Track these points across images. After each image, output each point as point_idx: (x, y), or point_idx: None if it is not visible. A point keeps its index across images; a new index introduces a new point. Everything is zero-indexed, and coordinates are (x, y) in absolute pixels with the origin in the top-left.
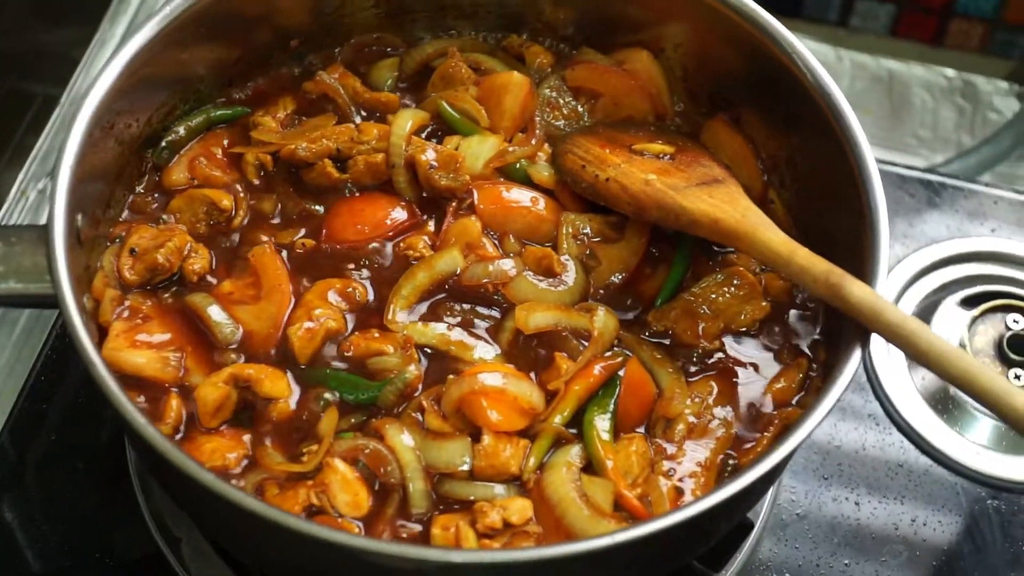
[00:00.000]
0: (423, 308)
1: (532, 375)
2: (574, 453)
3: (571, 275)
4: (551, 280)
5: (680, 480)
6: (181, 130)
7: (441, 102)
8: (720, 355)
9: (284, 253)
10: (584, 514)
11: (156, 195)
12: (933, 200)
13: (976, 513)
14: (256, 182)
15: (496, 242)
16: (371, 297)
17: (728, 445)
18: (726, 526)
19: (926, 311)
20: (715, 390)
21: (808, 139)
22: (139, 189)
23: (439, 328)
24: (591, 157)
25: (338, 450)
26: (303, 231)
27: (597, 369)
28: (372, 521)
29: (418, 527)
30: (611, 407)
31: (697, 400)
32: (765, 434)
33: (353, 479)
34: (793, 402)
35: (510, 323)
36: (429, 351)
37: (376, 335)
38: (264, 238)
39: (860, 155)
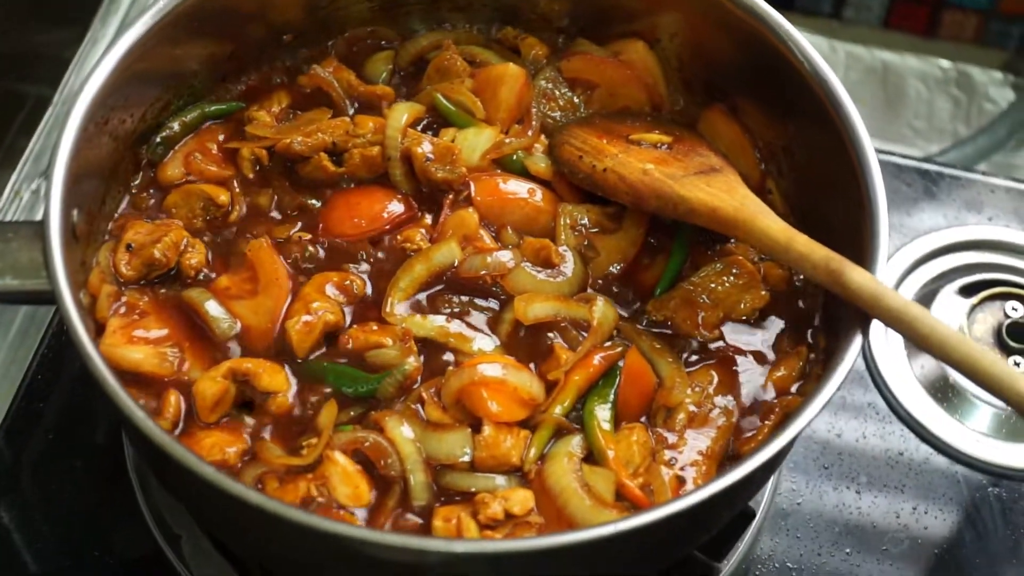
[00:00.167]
0: (421, 300)
1: (532, 366)
2: (575, 443)
3: (569, 266)
4: (549, 271)
5: (682, 469)
6: (175, 125)
7: (437, 95)
8: (720, 344)
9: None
10: (586, 504)
11: (152, 191)
12: (930, 189)
13: (977, 501)
14: (252, 176)
15: (494, 234)
16: (369, 290)
17: (729, 434)
18: (727, 515)
19: (924, 300)
20: (715, 379)
21: (805, 127)
22: (134, 185)
23: (438, 320)
24: (588, 148)
25: (338, 443)
26: (300, 225)
27: (597, 359)
28: (373, 513)
29: (419, 519)
30: (611, 397)
31: (697, 389)
32: (766, 422)
33: (353, 471)
34: (793, 390)
35: (509, 314)
36: (428, 343)
37: (374, 328)
38: (260, 233)
39: (858, 142)
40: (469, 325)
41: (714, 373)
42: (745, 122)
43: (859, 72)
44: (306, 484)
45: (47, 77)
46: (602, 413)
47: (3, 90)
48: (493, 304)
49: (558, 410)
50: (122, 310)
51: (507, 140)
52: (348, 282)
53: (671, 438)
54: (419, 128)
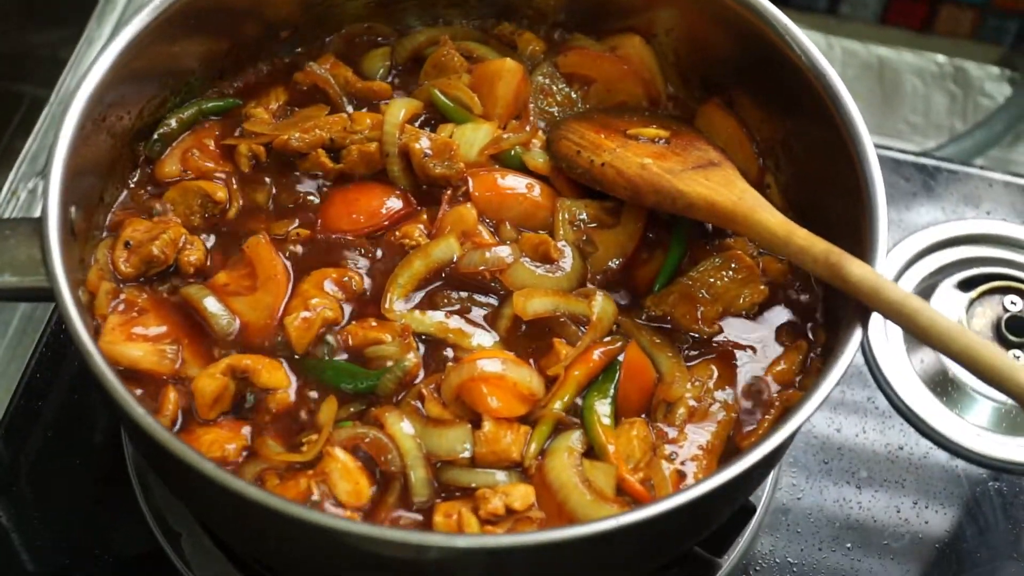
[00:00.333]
0: (420, 296)
1: (531, 361)
2: (575, 438)
3: (568, 261)
4: (548, 266)
5: (682, 464)
6: (173, 122)
7: (434, 90)
8: (719, 339)
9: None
10: (586, 499)
11: (149, 188)
12: (928, 184)
13: (977, 495)
14: (249, 173)
15: (492, 229)
16: (368, 286)
17: (729, 428)
18: (728, 510)
19: (924, 294)
20: (715, 374)
21: (803, 121)
22: (132, 182)
23: (437, 316)
24: (586, 143)
25: (338, 439)
26: (298, 222)
27: (596, 354)
28: (374, 510)
29: (420, 515)
30: (611, 392)
31: (697, 384)
32: (766, 416)
33: (354, 468)
34: (793, 384)
35: (508, 310)
36: (427, 339)
37: (374, 324)
38: (258, 230)
39: (857, 136)
40: (468, 321)
41: (714, 367)
42: (743, 116)
43: (856, 68)
44: (306, 480)
45: (43, 77)
46: (602, 408)
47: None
48: (492, 300)
49: (558, 405)
50: (121, 307)
51: (505, 135)
52: (347, 278)
53: (671, 433)
54: (417, 124)
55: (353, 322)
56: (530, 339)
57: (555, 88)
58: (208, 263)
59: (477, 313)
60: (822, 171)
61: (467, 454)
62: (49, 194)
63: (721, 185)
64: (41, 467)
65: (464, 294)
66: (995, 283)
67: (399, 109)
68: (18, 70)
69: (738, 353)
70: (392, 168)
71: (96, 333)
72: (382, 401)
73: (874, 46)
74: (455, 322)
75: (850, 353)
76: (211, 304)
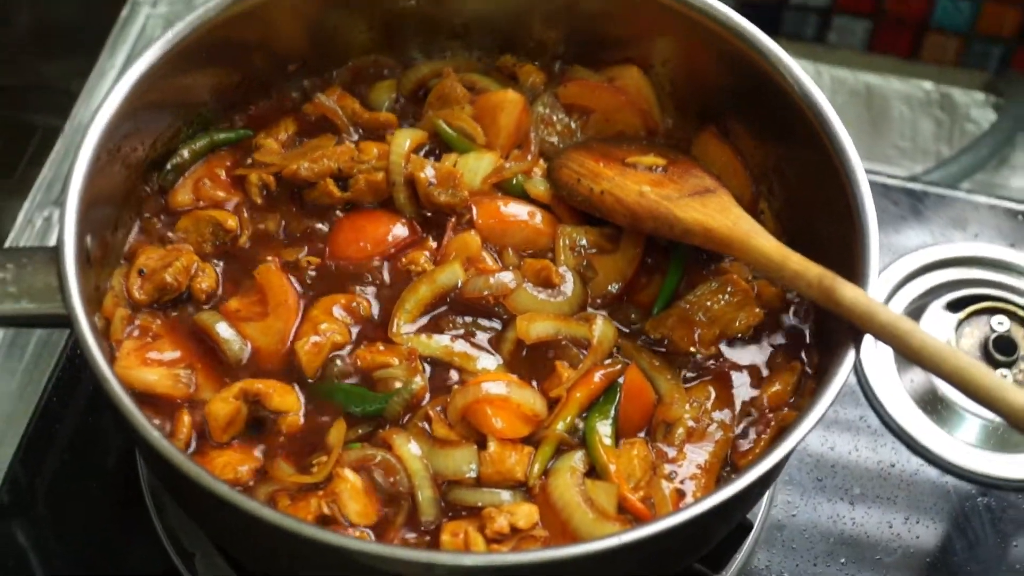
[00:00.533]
0: (426, 321)
1: (534, 383)
2: (577, 458)
3: (569, 286)
4: (550, 291)
5: (681, 482)
6: (185, 153)
7: (438, 121)
8: (716, 361)
9: (290, 270)
10: (589, 517)
11: (163, 217)
12: (916, 208)
13: (967, 510)
14: (260, 202)
15: (495, 255)
16: (375, 311)
17: (727, 448)
18: (726, 527)
19: (913, 315)
20: (712, 395)
21: (795, 148)
22: (146, 211)
23: (442, 340)
24: (586, 171)
25: (347, 460)
26: (307, 249)
27: (597, 376)
28: (382, 529)
29: (428, 534)
30: (612, 413)
31: (695, 405)
32: (762, 436)
33: (363, 488)
34: (788, 405)
35: (511, 333)
36: (433, 362)
37: (381, 348)
38: (269, 257)
39: (847, 161)
40: (473, 344)
41: (711, 389)
42: (737, 144)
43: (844, 95)
44: (317, 501)
45: (56, 108)
46: (603, 429)
47: (13, 121)
48: (496, 324)
49: (560, 426)
50: (136, 333)
51: (507, 164)
52: (355, 304)
53: (671, 452)
54: (422, 154)
55: (361, 346)
56: (533, 362)
57: (555, 118)
58: (220, 290)
59: (481, 337)
60: (814, 196)
61: (473, 474)
62: (65, 223)
63: (717, 211)
64: (58, 488)
65: (469, 318)
66: (982, 304)
67: (405, 139)
68: (31, 101)
69: (734, 375)
70: (398, 196)
71: (111, 358)
72: (390, 423)
73: (862, 73)
74: (460, 346)
75: (844, 374)
76: (223, 330)
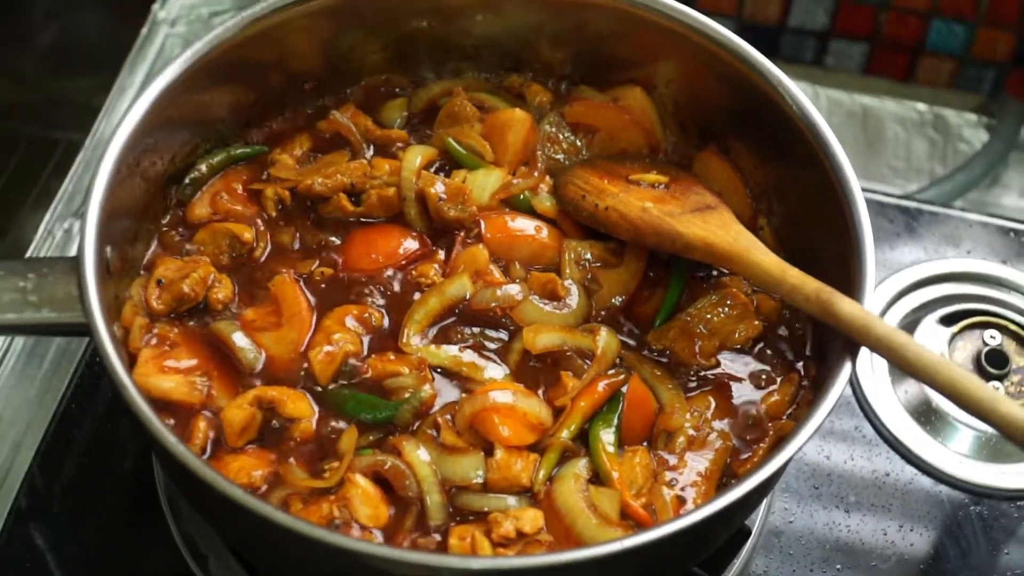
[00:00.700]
0: (435, 332)
1: (540, 392)
2: (581, 465)
3: (574, 298)
4: (555, 303)
5: (682, 490)
6: (203, 167)
7: (448, 138)
8: (716, 371)
9: (303, 282)
10: (592, 523)
11: (180, 229)
12: (911, 225)
13: (960, 519)
14: (275, 216)
15: (503, 269)
16: (386, 322)
17: (726, 456)
18: (725, 533)
19: (908, 329)
20: (713, 404)
21: (794, 167)
22: (164, 223)
23: (451, 350)
24: (590, 188)
25: (358, 466)
26: (320, 261)
27: (601, 386)
28: (392, 533)
29: (436, 537)
30: (615, 422)
31: (696, 414)
32: (761, 445)
33: (373, 493)
34: (786, 415)
35: (518, 344)
36: (442, 371)
37: (392, 357)
38: (283, 269)
39: (844, 180)
40: (481, 354)
41: (711, 399)
42: (737, 163)
43: (841, 116)
44: (329, 505)
45: (77, 123)
46: (607, 437)
47: (35, 136)
48: (503, 335)
49: (565, 434)
50: (153, 341)
51: (514, 181)
52: (367, 315)
53: (672, 460)
54: (432, 170)
55: (372, 355)
56: (538, 372)
57: (561, 136)
58: (236, 300)
59: (489, 347)
60: (812, 213)
61: (480, 480)
62: (86, 235)
63: (718, 227)
64: (75, 492)
65: (476, 329)
66: (975, 318)
67: (416, 156)
68: (53, 116)
69: (734, 385)
70: (409, 211)
71: (130, 366)
72: (400, 430)
73: (858, 95)
74: (468, 356)
75: (840, 385)
76: (239, 339)
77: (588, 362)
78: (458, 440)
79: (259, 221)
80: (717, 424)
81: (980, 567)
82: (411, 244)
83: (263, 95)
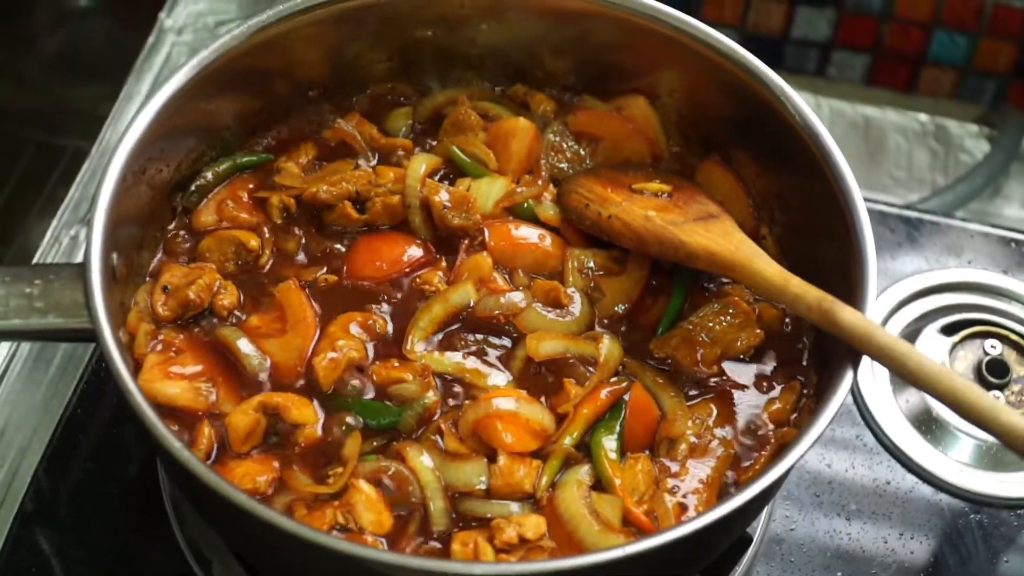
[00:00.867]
0: (439, 338)
1: (543, 399)
2: (584, 472)
3: (577, 306)
4: (559, 311)
5: (684, 497)
6: (209, 175)
7: (452, 147)
8: (718, 379)
9: (308, 289)
10: (595, 529)
11: (186, 236)
12: (912, 235)
13: (959, 527)
14: (280, 223)
15: (506, 276)
16: (390, 329)
17: (728, 464)
18: (726, 540)
19: (909, 338)
20: (714, 412)
21: (797, 177)
22: (170, 230)
23: (455, 357)
24: (594, 196)
25: (362, 472)
26: (325, 268)
27: (603, 393)
28: (395, 538)
29: (439, 544)
30: (617, 429)
31: (698, 421)
32: (762, 453)
33: (377, 499)
34: (788, 423)
35: (521, 351)
36: (446, 378)
37: (396, 364)
38: (289, 276)
39: (846, 189)
40: (484, 361)
41: (713, 406)
42: (740, 172)
43: (843, 126)
44: (333, 511)
45: (84, 131)
46: (609, 444)
47: (42, 143)
48: (506, 342)
49: (568, 441)
50: (159, 347)
51: (518, 189)
52: (371, 321)
53: (674, 467)
54: (436, 178)
55: (377, 362)
56: (541, 379)
57: (565, 145)
58: (241, 307)
59: (492, 354)
60: (814, 223)
61: (483, 486)
62: (92, 241)
63: (720, 236)
64: (81, 497)
65: (480, 336)
66: (976, 328)
67: (420, 164)
68: (60, 124)
69: (736, 393)
70: (413, 219)
71: (135, 372)
72: (403, 436)
73: (860, 105)
74: (471, 362)
75: (842, 394)
76: (244, 345)
77: (591, 369)
78: (461, 446)
79: (264, 229)
80: (719, 432)
81: (979, 574)
82: (415, 252)
83: (269, 103)
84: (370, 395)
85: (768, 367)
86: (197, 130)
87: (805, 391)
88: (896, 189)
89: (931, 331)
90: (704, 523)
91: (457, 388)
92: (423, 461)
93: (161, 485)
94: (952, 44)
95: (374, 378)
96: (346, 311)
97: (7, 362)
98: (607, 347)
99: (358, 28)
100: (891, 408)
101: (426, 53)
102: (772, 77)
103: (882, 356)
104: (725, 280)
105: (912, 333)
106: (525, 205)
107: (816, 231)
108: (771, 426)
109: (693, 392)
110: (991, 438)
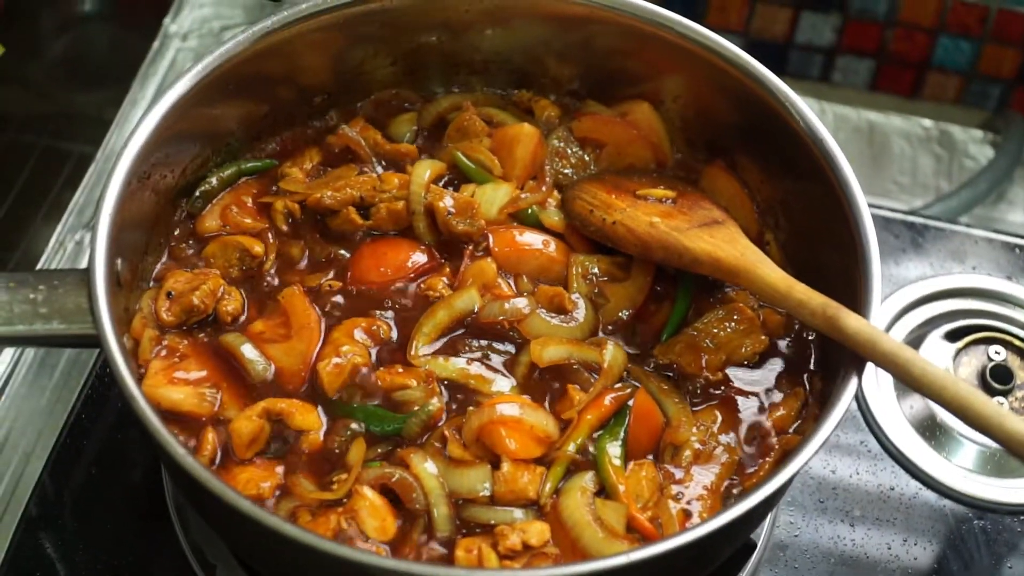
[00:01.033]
0: (443, 344)
1: (547, 406)
2: (588, 479)
3: (581, 312)
4: (563, 317)
5: (688, 503)
6: (213, 181)
7: (457, 153)
8: (723, 386)
9: (313, 295)
10: (599, 536)
11: (191, 241)
12: (916, 241)
13: (963, 533)
14: (285, 229)
15: (511, 282)
16: (394, 334)
17: (732, 470)
18: (731, 546)
19: (913, 344)
20: (719, 418)
21: (801, 182)
22: (174, 236)
23: (459, 363)
24: (598, 202)
25: (366, 478)
26: (330, 274)
27: (608, 400)
28: (399, 545)
29: (443, 550)
30: (622, 435)
31: (702, 428)
32: (767, 459)
33: (381, 505)
34: (792, 429)
35: (525, 357)
36: (450, 384)
37: (400, 370)
38: (293, 282)
39: (851, 195)
40: (488, 367)
41: (718, 413)
42: (744, 178)
43: (847, 131)
44: (337, 517)
45: (89, 136)
46: (613, 450)
47: (47, 148)
48: (510, 347)
49: (572, 447)
50: (163, 353)
51: (523, 195)
52: (375, 327)
53: (678, 474)
54: (441, 184)
55: (381, 368)
56: (545, 385)
57: (569, 151)
58: (245, 313)
59: (496, 360)
60: (819, 229)
61: (487, 493)
62: (96, 247)
63: (725, 242)
64: (85, 502)
65: (484, 342)
66: (980, 334)
67: (424, 170)
68: (65, 129)
69: (740, 399)
70: (418, 225)
71: (139, 377)
72: (407, 443)
73: (864, 111)
74: (476, 368)
75: (846, 400)
76: (248, 351)
77: (595, 375)
78: (465, 453)
79: (269, 234)
80: (723, 438)
81: None
82: (420, 257)
83: (273, 109)
84: (375, 401)
85: (772, 373)
86: (202, 135)
87: (809, 397)
88: (900, 195)
89: (935, 337)
90: (708, 530)
91: (461, 394)
92: (427, 468)
93: (165, 490)
94: (956, 50)
95: (378, 384)
96: (350, 317)
97: (11, 367)
98: (611, 353)
99: (362, 33)
100: (895, 414)
101: (430, 59)
102: (776, 83)
103: (886, 362)
104: (730, 286)
105: (916, 339)
106: (529, 211)
107: (820, 236)
108: (775, 432)
109: (697, 398)
110: (995, 444)
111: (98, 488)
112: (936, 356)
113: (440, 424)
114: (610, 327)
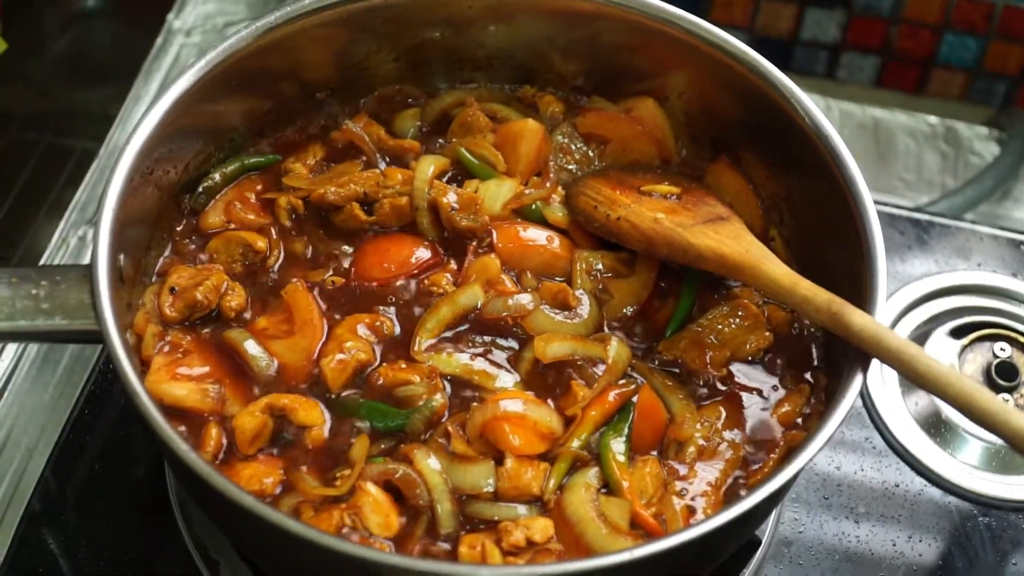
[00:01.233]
0: (447, 340)
1: (550, 401)
2: (592, 475)
3: (585, 308)
4: (567, 313)
5: (692, 499)
6: (217, 176)
7: (461, 148)
8: (727, 382)
9: (316, 290)
10: (602, 532)
11: (194, 237)
12: (922, 237)
13: (968, 529)
14: (288, 224)
15: (514, 278)
16: (398, 330)
17: (737, 466)
18: (735, 543)
19: (918, 341)
20: (723, 415)
21: (806, 179)
22: (177, 232)
23: (462, 358)
24: (602, 198)
25: (369, 474)
26: (333, 270)
27: (612, 396)
28: (403, 541)
29: (446, 546)
30: (626, 431)
31: (706, 424)
32: (771, 456)
33: (384, 501)
34: (797, 426)
35: (529, 353)
36: (453, 380)
37: (403, 366)
38: (296, 277)
39: (856, 191)
40: (492, 363)
41: (722, 409)
42: (749, 174)
43: (852, 128)
44: (340, 513)
45: (92, 132)
46: (617, 446)
47: (50, 144)
48: (514, 343)
49: (576, 443)
50: (166, 349)
51: (526, 191)
52: (378, 323)
53: (682, 470)
54: (444, 180)
55: (384, 364)
56: (549, 381)
57: (573, 147)
58: (248, 308)
59: (500, 356)
60: (824, 225)
61: (490, 489)
62: (99, 242)
63: (729, 238)
64: (88, 497)
65: (488, 338)
66: (985, 331)
67: (428, 165)
68: (68, 125)
69: (745, 396)
70: (421, 221)
71: (142, 373)
72: (411, 439)
73: (870, 107)
74: (479, 364)
75: (851, 397)
76: (251, 347)
77: (599, 372)
78: (468, 449)
79: (272, 230)
80: (727, 434)
81: None
82: (423, 253)
83: (277, 104)
84: (378, 397)
85: (777, 370)
86: (205, 131)
87: (814, 394)
88: (905, 191)
89: (940, 334)
90: (712, 526)
91: (465, 390)
92: (431, 464)
93: (168, 486)
94: (962, 46)
95: (382, 380)
96: (354, 312)
97: (14, 363)
98: (615, 349)
99: (366, 29)
100: (900, 411)
101: (434, 54)
102: (781, 79)
103: (891, 359)
104: (734, 283)
105: (921, 336)
106: (533, 207)
107: (825, 233)
108: (780, 429)
109: (702, 394)
110: (1000, 441)
111: (101, 484)
112: (941, 353)
113: (444, 420)
114: (614, 323)
